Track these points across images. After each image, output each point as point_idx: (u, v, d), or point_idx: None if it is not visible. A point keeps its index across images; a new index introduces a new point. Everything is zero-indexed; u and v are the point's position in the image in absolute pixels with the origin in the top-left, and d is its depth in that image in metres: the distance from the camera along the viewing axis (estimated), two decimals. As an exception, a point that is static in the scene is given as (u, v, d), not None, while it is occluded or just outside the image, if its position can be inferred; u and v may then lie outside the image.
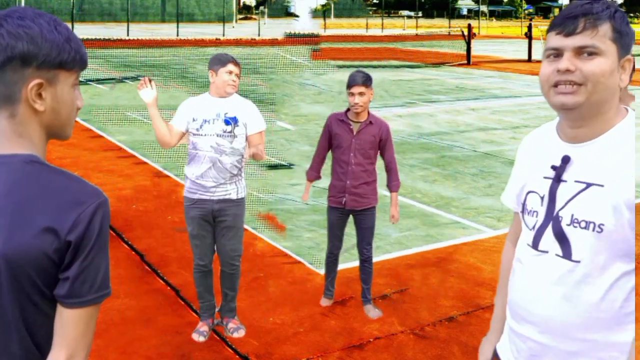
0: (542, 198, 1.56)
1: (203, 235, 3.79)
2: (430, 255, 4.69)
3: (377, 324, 3.63)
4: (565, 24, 1.45)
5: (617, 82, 1.46)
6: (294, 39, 31.78)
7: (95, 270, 1.29)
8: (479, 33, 42.06)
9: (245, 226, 5.19)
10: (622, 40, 1.45)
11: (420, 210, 5.63)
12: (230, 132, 3.78)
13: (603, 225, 1.46)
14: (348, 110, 4.07)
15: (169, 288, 4.05)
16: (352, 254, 4.68)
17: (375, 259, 4.58)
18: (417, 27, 49.04)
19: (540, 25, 36.19)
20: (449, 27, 42.39)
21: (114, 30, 35.52)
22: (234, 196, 3.83)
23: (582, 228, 1.49)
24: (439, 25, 52.76)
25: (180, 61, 20.85)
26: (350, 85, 3.96)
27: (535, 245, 1.57)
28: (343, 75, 17.03)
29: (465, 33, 22.16)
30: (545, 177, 1.55)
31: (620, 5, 55.82)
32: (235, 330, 3.70)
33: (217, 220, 3.81)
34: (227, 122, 3.79)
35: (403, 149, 8.28)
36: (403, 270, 4.40)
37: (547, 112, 11.51)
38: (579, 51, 1.43)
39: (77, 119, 9.79)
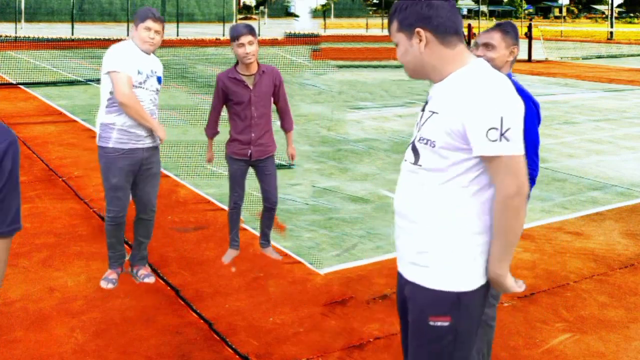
0: (417, 123, 2.15)
1: (126, 187, 3.94)
2: (430, 255, 4.69)
3: (377, 324, 3.63)
4: None
5: (416, 53, 2.07)
6: (294, 39, 31.76)
7: (8, 205, 1.33)
8: (479, 33, 42.04)
9: (245, 226, 5.21)
10: (405, 26, 2.06)
11: (420, 210, 5.63)
12: (158, 90, 4.03)
13: (435, 142, 2.02)
14: (236, 65, 4.21)
15: (169, 288, 4.05)
16: (352, 254, 4.68)
17: (375, 259, 4.59)
18: (417, 27, 48.90)
19: (540, 25, 36.18)
20: (449, 27, 42.28)
21: (114, 30, 35.49)
22: (158, 142, 4.01)
23: (424, 144, 2.06)
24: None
25: (181, 61, 20.84)
26: (237, 36, 4.10)
27: (405, 156, 2.18)
28: (343, 75, 17.09)
29: (465, 33, 22.16)
30: (421, 110, 2.16)
31: (620, 5, 55.70)
32: (146, 276, 3.76)
33: (143, 169, 3.91)
34: (159, 81, 4.07)
35: (403, 149, 8.22)
36: (403, 270, 4.40)
37: (547, 112, 11.52)
38: None
39: (77, 119, 9.82)
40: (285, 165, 7.23)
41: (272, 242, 4.81)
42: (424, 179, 2.05)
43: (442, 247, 2.03)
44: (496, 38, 3.04)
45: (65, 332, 3.48)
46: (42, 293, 3.94)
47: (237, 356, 3.30)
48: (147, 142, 3.92)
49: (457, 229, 2.01)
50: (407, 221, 2.10)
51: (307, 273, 4.33)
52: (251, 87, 4.18)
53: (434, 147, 2.02)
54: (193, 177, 6.64)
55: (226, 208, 5.55)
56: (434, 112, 2.04)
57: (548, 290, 4.11)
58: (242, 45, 4.04)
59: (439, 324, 2.02)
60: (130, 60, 3.90)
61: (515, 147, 1.93)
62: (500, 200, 1.96)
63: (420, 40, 2.04)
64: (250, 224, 5.18)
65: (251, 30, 4.09)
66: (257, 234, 5.02)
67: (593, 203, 6.06)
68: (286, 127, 4.52)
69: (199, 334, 3.51)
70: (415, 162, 2.09)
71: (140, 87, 3.90)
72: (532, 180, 2.92)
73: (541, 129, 3.13)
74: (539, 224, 5.36)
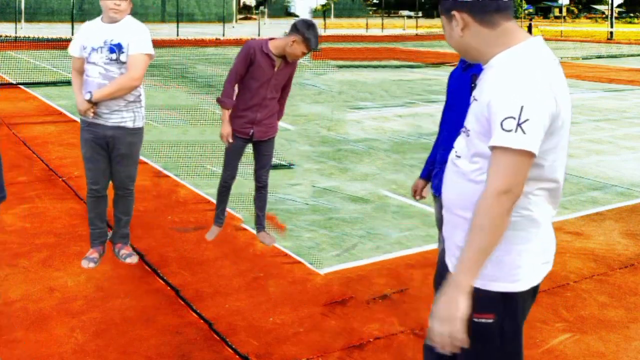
0: None
1: (96, 159, 3.89)
2: (430, 255, 4.69)
3: (377, 324, 3.63)
4: None
5: (456, 37, 1.97)
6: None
7: None
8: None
9: (245, 226, 5.20)
10: (444, 9, 1.98)
11: (421, 210, 5.63)
12: (116, 59, 3.88)
13: (469, 130, 1.93)
14: (269, 40, 4.25)
15: (169, 288, 4.05)
16: (352, 253, 4.68)
17: (375, 259, 4.59)
18: (417, 27, 49.00)
19: (540, 25, 36.16)
20: (449, 27, 42.31)
21: (114, 30, 35.44)
22: (129, 124, 3.92)
23: (463, 132, 1.98)
24: (439, 25, 52.71)
25: (180, 61, 20.84)
26: (311, 47, 4.13)
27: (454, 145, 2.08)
28: (343, 75, 17.09)
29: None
30: None
31: (620, 5, 55.87)
32: (128, 256, 3.73)
33: (110, 147, 3.89)
34: (111, 50, 3.92)
35: (403, 149, 8.27)
36: (403, 270, 4.40)
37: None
38: None
39: (77, 119, 9.81)
40: (285, 165, 7.23)
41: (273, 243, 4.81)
42: (461, 170, 1.96)
43: None
44: None
45: (65, 332, 3.47)
46: (42, 293, 3.94)
47: (237, 356, 3.30)
48: (110, 121, 3.88)
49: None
50: (447, 212, 2.04)
51: (307, 273, 4.33)
52: (276, 69, 4.20)
53: (468, 136, 1.92)
54: (193, 177, 6.64)
55: (226, 208, 5.57)
56: (474, 99, 1.94)
57: (548, 290, 4.11)
58: (305, 53, 4.16)
59: (483, 320, 1.93)
60: (79, 38, 3.99)
61: (529, 142, 1.72)
62: (488, 193, 1.77)
63: (458, 24, 1.94)
64: (250, 224, 5.18)
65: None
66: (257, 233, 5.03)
67: (593, 203, 6.06)
68: (280, 115, 4.60)
69: (199, 334, 3.51)
70: (457, 152, 2.00)
71: (88, 62, 3.90)
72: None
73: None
74: (539, 224, 5.35)
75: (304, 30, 4.09)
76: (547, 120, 1.78)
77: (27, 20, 39.47)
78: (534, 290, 1.99)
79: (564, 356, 3.35)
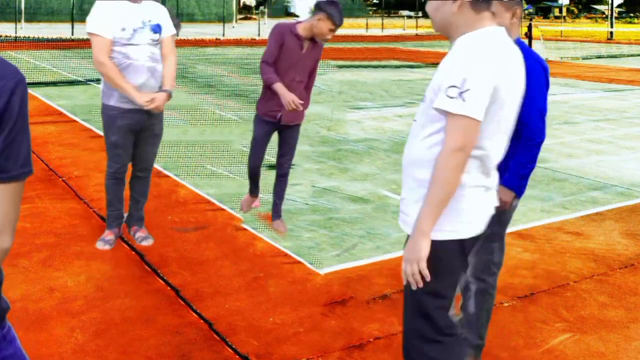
0: None
1: (127, 145, 3.87)
2: (430, 255, 4.69)
3: (377, 324, 3.63)
4: None
5: (448, 12, 2.14)
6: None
7: (18, 146, 1.30)
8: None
9: (245, 226, 5.21)
10: None
11: (420, 210, 5.63)
12: (157, 40, 3.85)
13: (425, 97, 2.20)
14: (296, 23, 4.28)
15: (169, 288, 4.05)
16: (352, 253, 4.68)
17: (375, 259, 4.59)
18: (417, 27, 48.99)
19: (540, 25, 36.18)
20: (449, 27, 42.31)
21: (114, 30, 35.41)
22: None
23: (423, 99, 2.24)
24: (439, 25, 52.68)
25: (181, 61, 20.82)
26: (337, 23, 4.13)
27: None
28: (343, 75, 17.09)
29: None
30: None
31: (620, 5, 55.88)
32: (144, 239, 3.71)
33: (144, 128, 3.85)
34: (154, 31, 3.85)
35: (403, 149, 8.25)
36: (403, 270, 4.40)
37: (547, 112, 11.50)
38: None
39: (77, 119, 9.82)
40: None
41: (273, 243, 4.82)
42: (413, 133, 2.26)
43: (414, 196, 2.22)
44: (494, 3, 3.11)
45: (65, 332, 3.48)
46: (42, 293, 3.94)
47: (237, 356, 3.30)
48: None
49: (426, 183, 2.15)
50: (403, 173, 2.33)
51: (307, 273, 4.33)
52: (303, 51, 4.23)
53: (424, 102, 2.21)
54: (193, 177, 6.64)
55: (226, 208, 5.57)
56: (437, 70, 2.20)
57: (548, 290, 4.12)
58: (333, 30, 4.19)
59: None
60: (112, 17, 3.70)
61: (469, 108, 2.01)
62: (444, 151, 2.06)
63: (455, 1, 2.13)
64: (250, 224, 5.18)
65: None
66: (257, 234, 5.03)
67: (593, 203, 6.06)
68: (306, 104, 4.54)
69: (199, 334, 3.51)
70: (415, 117, 2.29)
71: (130, 45, 3.67)
72: (538, 147, 3.00)
73: (541, 129, 3.13)
74: (539, 224, 5.36)
75: (326, 7, 4.18)
76: (487, 93, 2.05)
77: (27, 20, 39.42)
78: (461, 247, 2.19)
79: (564, 356, 3.35)
